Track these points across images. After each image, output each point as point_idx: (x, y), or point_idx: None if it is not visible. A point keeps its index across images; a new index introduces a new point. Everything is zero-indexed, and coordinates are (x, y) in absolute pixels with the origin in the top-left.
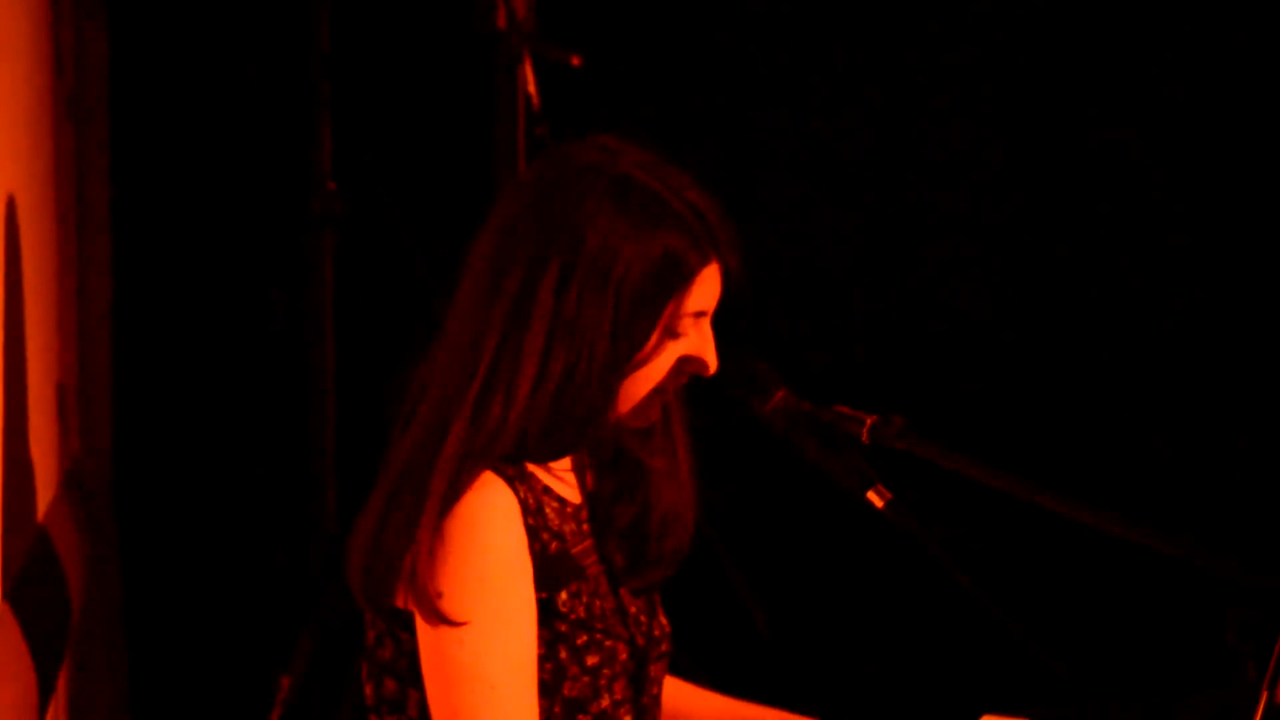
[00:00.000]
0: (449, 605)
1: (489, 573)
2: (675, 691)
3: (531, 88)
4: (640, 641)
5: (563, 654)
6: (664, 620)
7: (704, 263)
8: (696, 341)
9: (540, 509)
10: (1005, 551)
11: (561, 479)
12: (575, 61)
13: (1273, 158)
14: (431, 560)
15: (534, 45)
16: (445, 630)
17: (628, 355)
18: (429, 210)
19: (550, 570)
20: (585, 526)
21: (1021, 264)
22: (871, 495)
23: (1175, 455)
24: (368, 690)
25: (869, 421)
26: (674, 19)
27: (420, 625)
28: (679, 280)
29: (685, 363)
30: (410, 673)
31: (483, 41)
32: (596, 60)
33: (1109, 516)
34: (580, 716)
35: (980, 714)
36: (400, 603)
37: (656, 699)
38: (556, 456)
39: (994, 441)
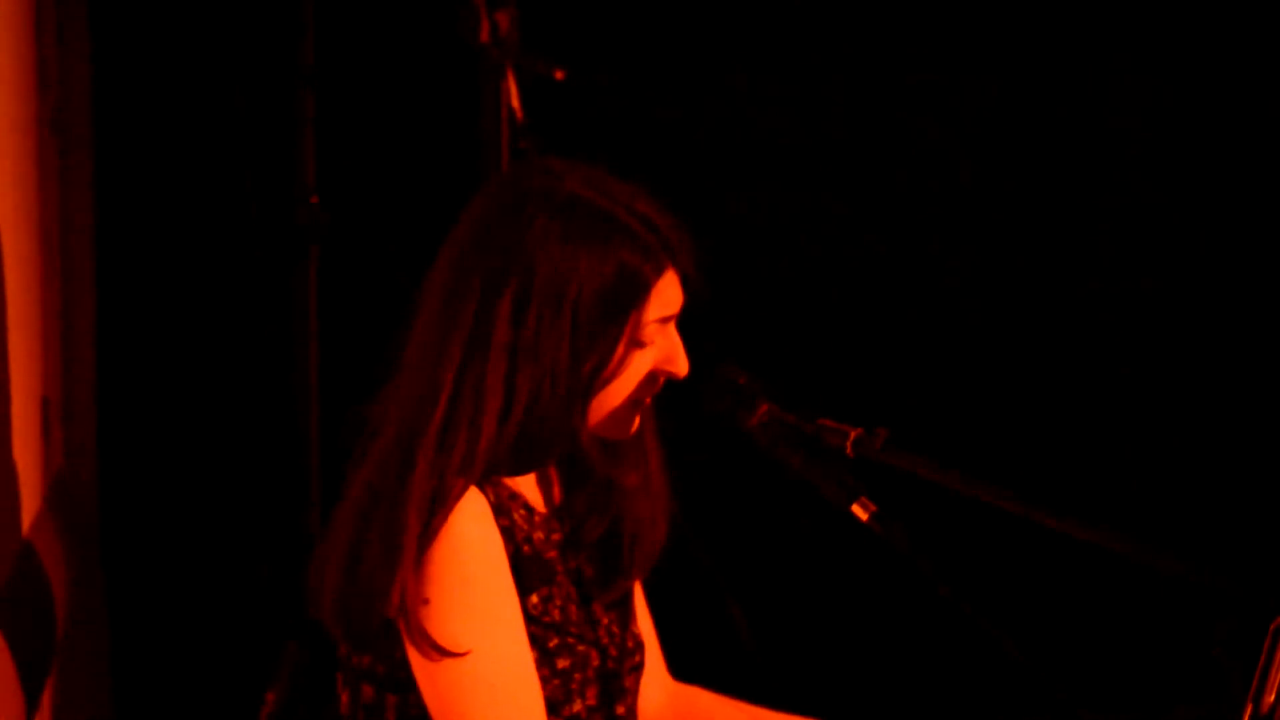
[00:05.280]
0: (436, 614)
1: (472, 578)
2: (696, 701)
3: (515, 101)
4: (613, 651)
5: (533, 655)
6: (637, 631)
7: (659, 272)
8: (664, 347)
9: (509, 513)
10: (990, 564)
11: (525, 490)
12: (559, 75)
13: (1265, 160)
14: (415, 574)
15: (518, 59)
16: (437, 640)
17: (594, 373)
18: (413, 223)
19: (521, 572)
20: (555, 536)
21: (1006, 275)
22: (856, 508)
23: (1161, 468)
24: (344, 698)
25: (853, 434)
26: (658, 32)
27: (409, 638)
28: (636, 293)
29: (657, 370)
30: (389, 679)
31: (466, 55)
32: (580, 74)
33: (1094, 528)
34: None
35: None
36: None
37: (632, 710)
38: (525, 472)
39: (978, 454)
